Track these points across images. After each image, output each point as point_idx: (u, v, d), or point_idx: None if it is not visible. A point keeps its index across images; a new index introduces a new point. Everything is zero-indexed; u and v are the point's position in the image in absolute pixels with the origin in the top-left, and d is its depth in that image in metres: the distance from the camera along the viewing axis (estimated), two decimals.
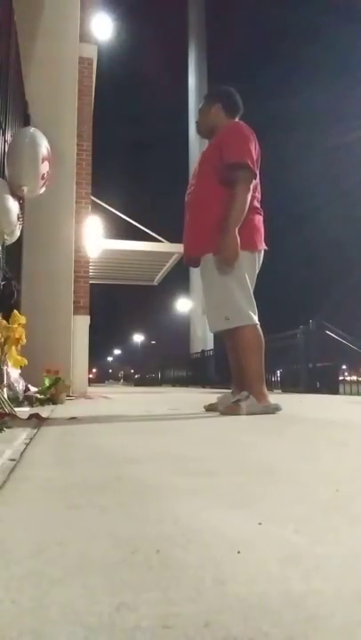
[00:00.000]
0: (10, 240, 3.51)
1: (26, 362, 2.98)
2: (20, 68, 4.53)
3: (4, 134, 3.64)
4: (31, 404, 3.22)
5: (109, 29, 9.59)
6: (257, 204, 2.74)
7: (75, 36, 5.77)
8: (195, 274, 17.31)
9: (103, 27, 8.83)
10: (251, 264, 2.70)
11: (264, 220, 2.79)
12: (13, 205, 3.37)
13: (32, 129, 3.82)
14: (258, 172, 2.71)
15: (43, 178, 3.67)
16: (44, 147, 3.64)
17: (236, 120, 2.86)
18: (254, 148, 2.67)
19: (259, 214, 2.75)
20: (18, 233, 3.58)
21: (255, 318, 2.62)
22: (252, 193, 2.68)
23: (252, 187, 2.65)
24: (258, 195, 2.76)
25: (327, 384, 7.89)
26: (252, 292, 2.68)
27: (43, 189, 3.78)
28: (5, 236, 3.38)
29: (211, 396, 3.74)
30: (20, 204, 3.56)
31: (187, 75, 22.25)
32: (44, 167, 3.64)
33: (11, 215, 3.33)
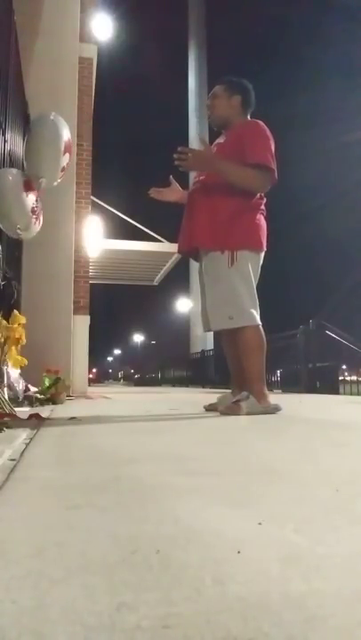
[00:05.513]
0: (27, 235, 3.41)
1: (26, 362, 2.98)
2: (20, 67, 4.52)
3: (3, 134, 3.63)
4: (31, 404, 3.22)
5: (109, 29, 9.62)
6: (263, 207, 2.74)
7: (75, 36, 5.76)
8: (195, 274, 17.30)
9: (103, 27, 8.85)
10: (256, 264, 2.71)
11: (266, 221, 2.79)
12: (26, 198, 3.24)
13: (52, 115, 3.55)
14: None
15: (62, 170, 3.51)
16: (65, 137, 3.46)
17: (256, 120, 2.81)
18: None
19: (263, 215, 2.75)
20: (36, 228, 3.44)
21: (258, 318, 2.62)
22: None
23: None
24: (264, 197, 2.76)
25: (327, 384, 7.88)
26: (255, 291, 2.68)
27: (59, 181, 3.62)
28: (19, 230, 3.28)
29: (211, 395, 3.74)
30: (36, 197, 3.39)
31: (187, 75, 22.28)
32: (65, 159, 3.48)
33: (23, 208, 3.22)
